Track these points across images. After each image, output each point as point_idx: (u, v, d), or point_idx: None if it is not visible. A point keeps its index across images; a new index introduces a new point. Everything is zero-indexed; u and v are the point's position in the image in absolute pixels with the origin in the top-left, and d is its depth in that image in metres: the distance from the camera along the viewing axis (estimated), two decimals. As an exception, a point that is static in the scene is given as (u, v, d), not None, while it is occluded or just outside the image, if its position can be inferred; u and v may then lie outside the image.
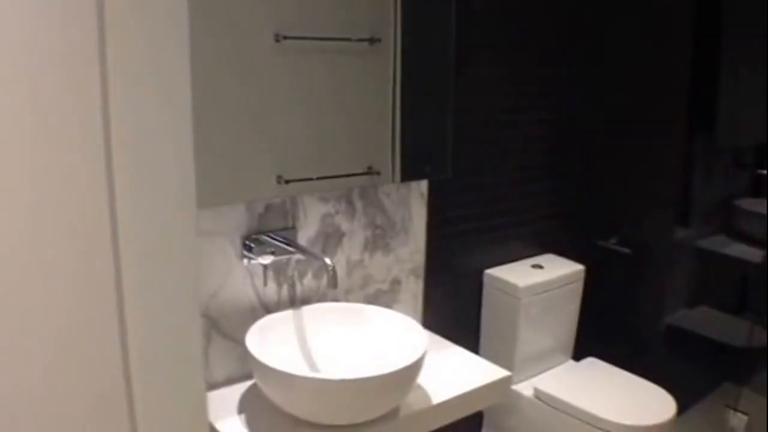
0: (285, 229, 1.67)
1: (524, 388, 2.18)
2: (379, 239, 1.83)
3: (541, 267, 2.24)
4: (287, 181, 1.60)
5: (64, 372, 0.97)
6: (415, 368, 1.42)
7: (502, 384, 1.72)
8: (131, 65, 0.94)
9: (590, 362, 2.31)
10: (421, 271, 1.95)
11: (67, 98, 0.89)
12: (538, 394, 2.13)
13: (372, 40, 1.72)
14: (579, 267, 2.29)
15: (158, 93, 0.98)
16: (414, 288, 1.94)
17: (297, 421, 1.44)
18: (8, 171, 0.87)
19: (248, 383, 1.61)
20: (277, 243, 1.63)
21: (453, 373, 1.70)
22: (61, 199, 0.92)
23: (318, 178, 1.65)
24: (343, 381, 1.35)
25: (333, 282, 1.51)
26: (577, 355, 2.37)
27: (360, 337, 1.62)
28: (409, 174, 1.82)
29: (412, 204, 1.89)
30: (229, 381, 1.62)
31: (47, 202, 0.91)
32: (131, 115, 0.96)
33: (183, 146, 1.03)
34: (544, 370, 2.27)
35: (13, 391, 0.94)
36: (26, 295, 0.92)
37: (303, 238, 1.69)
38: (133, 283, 1.02)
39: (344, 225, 1.76)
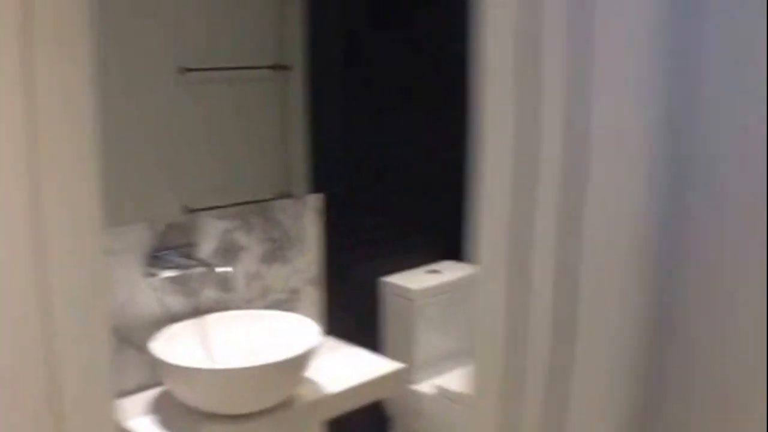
0: (187, 245, 1.95)
1: (428, 388, 2.48)
2: (276, 251, 2.13)
3: (438, 272, 2.56)
4: (192, 210, 1.90)
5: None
6: (301, 359, 1.72)
7: (397, 376, 2.02)
8: (51, 100, 1.23)
9: (491, 360, 2.63)
10: (319, 281, 2.25)
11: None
12: (441, 392, 2.44)
13: (275, 67, 2.04)
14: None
15: (71, 128, 1.28)
16: (313, 297, 2.24)
17: (202, 415, 1.71)
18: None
19: (159, 389, 1.87)
20: (180, 258, 1.91)
21: (350, 368, 2.00)
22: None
23: (221, 207, 1.96)
24: (232, 370, 1.65)
25: (231, 288, 1.80)
26: (481, 355, 2.68)
27: (258, 338, 1.90)
28: (307, 190, 2.14)
29: (309, 217, 2.19)
30: (140, 388, 1.87)
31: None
32: (54, 149, 1.25)
33: (92, 176, 1.33)
34: (450, 370, 2.57)
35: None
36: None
37: (203, 252, 1.98)
38: (55, 298, 1.29)
39: (242, 239, 2.05)
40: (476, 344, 0.94)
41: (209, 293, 2.00)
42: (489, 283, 0.92)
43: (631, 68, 0.75)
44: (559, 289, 0.82)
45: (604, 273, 0.80)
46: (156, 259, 1.89)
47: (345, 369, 1.99)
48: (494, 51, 0.83)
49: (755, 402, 0.75)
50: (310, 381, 1.86)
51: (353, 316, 2.39)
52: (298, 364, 1.73)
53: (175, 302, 1.94)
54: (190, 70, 1.87)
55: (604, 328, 0.80)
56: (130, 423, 1.72)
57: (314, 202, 2.20)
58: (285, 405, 1.76)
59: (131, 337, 1.85)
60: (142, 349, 1.86)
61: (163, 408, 1.79)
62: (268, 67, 2.04)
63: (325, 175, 2.21)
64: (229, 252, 2.03)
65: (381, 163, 2.44)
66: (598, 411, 0.82)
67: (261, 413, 1.72)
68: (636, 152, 0.77)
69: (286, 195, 2.11)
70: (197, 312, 1.98)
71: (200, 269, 1.96)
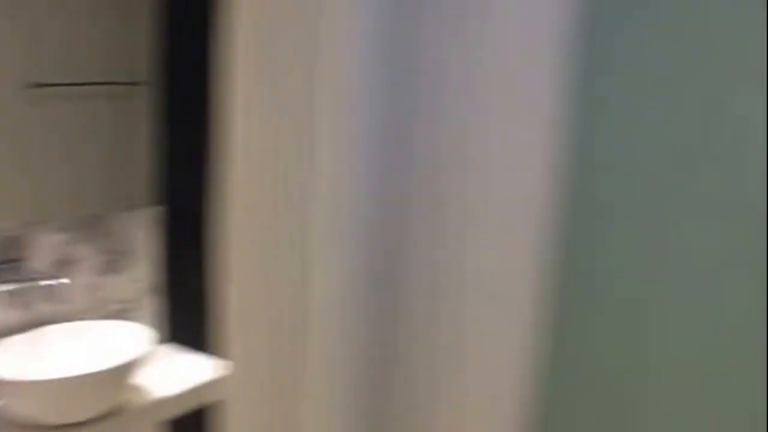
0: (23, 258, 2.01)
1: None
2: (116, 262, 2.22)
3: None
4: (30, 223, 1.97)
5: None
6: (129, 365, 1.84)
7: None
8: None
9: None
10: (158, 290, 2.35)
11: None
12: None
13: (126, 83, 2.12)
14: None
15: None
16: (152, 306, 2.34)
17: (33, 427, 1.79)
18: None
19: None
20: (15, 271, 1.97)
21: (184, 373, 2.13)
22: None
23: (60, 220, 2.03)
24: (59, 380, 1.74)
25: (68, 299, 1.89)
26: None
27: (92, 348, 2.00)
28: (148, 202, 2.26)
29: (148, 229, 2.29)
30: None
31: None
32: None
33: None
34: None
35: None
36: None
37: (41, 264, 2.04)
38: None
39: (81, 251, 2.13)
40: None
41: (45, 306, 2.07)
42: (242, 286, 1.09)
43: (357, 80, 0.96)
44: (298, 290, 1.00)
45: (337, 272, 0.99)
46: (-11, 272, 1.94)
47: (181, 373, 2.12)
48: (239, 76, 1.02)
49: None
50: (143, 387, 1.98)
51: (194, 324, 2.51)
52: (126, 370, 1.84)
53: (10, 316, 2.00)
54: (41, 85, 1.94)
55: (334, 322, 1.00)
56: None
57: (154, 213, 2.30)
58: (117, 411, 1.87)
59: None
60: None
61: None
62: (119, 83, 2.12)
63: (168, 187, 2.31)
64: (66, 264, 2.11)
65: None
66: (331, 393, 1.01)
67: (93, 421, 1.82)
68: (361, 153, 0.97)
69: (127, 207, 2.21)
70: (33, 325, 2.04)
71: (36, 282, 2.02)
